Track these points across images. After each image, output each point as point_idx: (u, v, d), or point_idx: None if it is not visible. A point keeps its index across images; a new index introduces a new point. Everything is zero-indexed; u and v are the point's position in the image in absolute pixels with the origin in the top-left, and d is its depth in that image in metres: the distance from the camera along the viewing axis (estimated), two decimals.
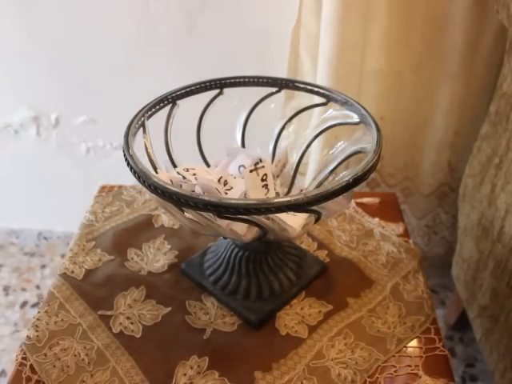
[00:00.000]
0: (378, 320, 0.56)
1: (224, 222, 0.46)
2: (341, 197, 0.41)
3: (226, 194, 0.51)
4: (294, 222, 0.48)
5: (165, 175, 0.50)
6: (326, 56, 0.79)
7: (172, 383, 0.49)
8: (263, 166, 0.47)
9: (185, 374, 0.50)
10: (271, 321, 0.55)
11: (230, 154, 0.57)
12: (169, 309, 0.57)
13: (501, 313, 0.71)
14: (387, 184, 0.99)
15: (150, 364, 0.51)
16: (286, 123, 0.60)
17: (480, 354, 0.96)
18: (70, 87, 1.02)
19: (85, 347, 0.53)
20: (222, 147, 0.58)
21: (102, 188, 0.76)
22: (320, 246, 0.66)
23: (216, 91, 0.58)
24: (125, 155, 0.45)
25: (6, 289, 1.20)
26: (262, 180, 0.47)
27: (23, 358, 0.52)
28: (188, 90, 0.56)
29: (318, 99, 0.58)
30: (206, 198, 0.39)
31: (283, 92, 0.59)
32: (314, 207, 0.40)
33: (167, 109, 0.55)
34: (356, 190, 0.45)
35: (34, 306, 1.16)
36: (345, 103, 0.54)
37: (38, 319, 0.56)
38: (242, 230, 0.49)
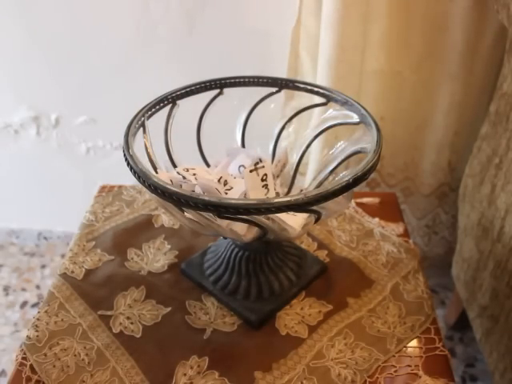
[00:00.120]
0: (378, 320, 0.56)
1: (224, 222, 0.46)
2: (341, 197, 0.41)
3: (226, 193, 0.51)
4: (294, 221, 0.48)
5: (165, 175, 0.50)
6: (326, 56, 0.79)
7: (172, 383, 0.49)
8: (263, 166, 0.47)
9: (185, 374, 0.50)
10: (271, 321, 0.55)
11: (230, 154, 0.57)
12: (169, 309, 0.57)
13: (501, 313, 0.71)
14: (387, 184, 0.99)
15: (150, 364, 0.51)
16: (285, 123, 0.60)
17: (480, 354, 0.96)
18: (70, 87, 1.02)
19: (85, 347, 0.53)
20: (222, 147, 0.58)
21: (102, 188, 0.76)
22: (320, 245, 0.66)
23: (216, 91, 0.58)
24: (125, 155, 0.45)
25: (6, 289, 1.20)
26: (262, 180, 0.47)
27: (23, 358, 0.52)
28: (188, 90, 0.56)
29: (318, 99, 0.58)
30: (206, 198, 0.39)
31: (283, 92, 0.59)
32: (314, 207, 0.40)
33: (167, 109, 0.55)
34: (356, 190, 0.45)
35: (34, 306, 1.16)
36: (345, 103, 0.54)
37: (38, 319, 0.56)
38: (242, 230, 0.49)
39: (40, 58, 0.99)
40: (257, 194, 0.48)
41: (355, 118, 0.53)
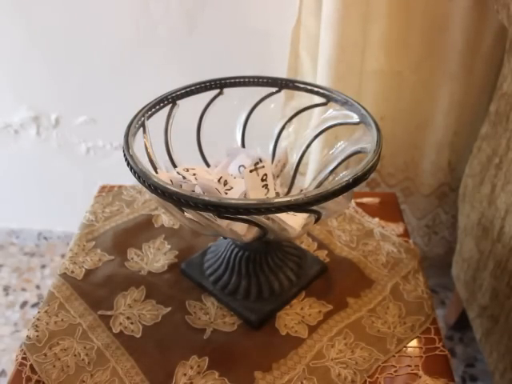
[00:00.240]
0: (378, 320, 0.56)
1: (224, 222, 0.46)
2: (341, 197, 0.41)
3: (226, 194, 0.51)
4: (294, 221, 0.48)
5: (165, 175, 0.50)
6: (326, 56, 0.79)
7: (172, 383, 0.49)
8: (263, 166, 0.47)
9: (185, 374, 0.50)
10: (271, 321, 0.55)
11: (230, 154, 0.57)
12: (169, 309, 0.57)
13: (501, 313, 0.71)
14: (387, 184, 0.99)
15: (149, 364, 0.51)
16: (285, 123, 0.60)
17: (480, 354, 0.96)
18: (70, 87, 1.02)
19: (85, 347, 0.53)
20: (222, 147, 0.58)
21: (102, 188, 0.76)
22: (320, 245, 0.66)
23: (216, 91, 0.58)
24: (125, 155, 0.45)
25: (6, 289, 1.20)
26: (262, 180, 0.47)
27: (23, 358, 0.52)
28: (188, 90, 0.56)
29: (318, 99, 0.58)
30: (206, 198, 0.39)
31: (283, 92, 0.59)
32: (314, 207, 0.40)
33: (167, 109, 0.55)
34: (356, 190, 0.45)
35: (34, 306, 1.16)
36: (345, 103, 0.54)
37: (38, 319, 0.56)
38: (242, 230, 0.49)
39: (40, 58, 0.99)
40: (257, 194, 0.48)
41: (355, 118, 0.53)
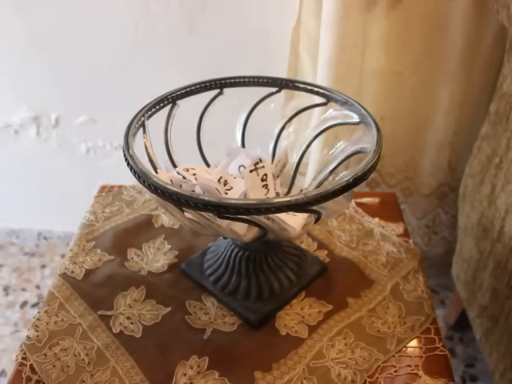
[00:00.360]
0: (378, 320, 0.56)
1: (224, 222, 0.46)
2: (341, 197, 0.41)
3: (226, 193, 0.51)
4: (294, 221, 0.48)
5: (165, 175, 0.50)
6: (326, 56, 0.79)
7: (172, 383, 0.49)
8: (263, 166, 0.47)
9: (185, 374, 0.50)
10: (271, 321, 0.55)
11: (230, 154, 0.57)
12: (169, 309, 0.57)
13: (501, 313, 0.71)
14: (387, 184, 0.99)
15: (149, 364, 0.51)
16: (286, 123, 0.60)
17: (480, 354, 0.96)
18: (70, 87, 1.02)
19: (85, 347, 0.53)
20: (222, 147, 0.58)
21: (102, 188, 0.76)
22: (320, 245, 0.66)
23: (216, 91, 0.58)
24: (125, 155, 0.45)
25: (6, 289, 1.20)
26: (262, 180, 0.47)
27: (23, 358, 0.52)
28: (188, 90, 0.56)
29: (318, 99, 0.58)
30: (206, 198, 0.39)
31: (283, 92, 0.59)
32: (314, 207, 0.40)
33: (167, 109, 0.55)
34: (356, 190, 0.45)
35: (34, 306, 1.16)
36: (345, 103, 0.54)
37: (38, 319, 0.56)
38: (242, 230, 0.49)
39: (40, 58, 0.99)
40: (257, 194, 0.48)
41: (355, 118, 0.53)
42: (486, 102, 0.83)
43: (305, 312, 0.56)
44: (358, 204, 0.73)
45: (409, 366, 0.51)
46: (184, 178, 0.51)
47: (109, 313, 0.56)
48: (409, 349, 0.53)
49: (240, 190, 0.50)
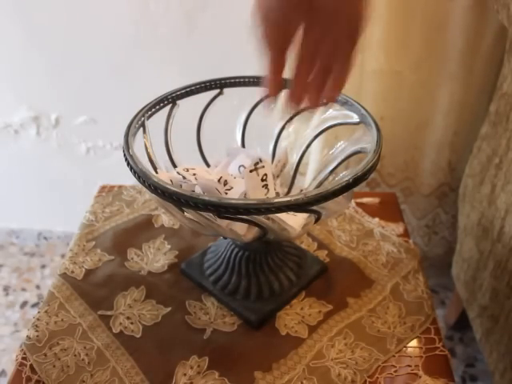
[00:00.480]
0: (378, 320, 0.55)
1: (224, 222, 0.46)
2: (341, 197, 0.41)
3: (226, 193, 0.51)
4: (294, 222, 0.48)
5: (165, 175, 0.50)
6: None
7: (172, 383, 0.49)
8: (263, 166, 0.47)
9: (185, 374, 0.50)
10: (271, 321, 0.55)
11: (230, 154, 0.57)
12: (169, 309, 0.57)
13: (501, 313, 0.71)
14: (387, 184, 0.99)
15: (149, 364, 0.51)
16: (286, 123, 0.60)
17: (480, 354, 0.96)
18: (70, 87, 1.02)
19: (85, 347, 0.53)
20: (222, 147, 0.58)
21: (102, 188, 0.76)
22: (320, 245, 0.66)
23: (216, 91, 0.58)
24: (125, 155, 0.45)
25: (6, 289, 1.20)
26: (262, 180, 0.47)
27: (23, 358, 0.52)
28: (188, 90, 0.56)
29: None
30: (206, 198, 0.39)
31: (283, 92, 0.59)
32: (314, 207, 0.40)
33: (167, 109, 0.55)
34: (356, 190, 0.45)
35: (34, 306, 1.16)
36: (345, 103, 0.54)
37: (38, 319, 0.56)
38: (242, 230, 0.49)
39: (40, 57, 0.99)
40: (257, 194, 0.48)
41: (355, 118, 0.53)
42: (486, 102, 0.83)
43: (305, 312, 0.56)
44: (358, 204, 0.73)
45: (409, 365, 0.51)
46: (184, 177, 0.51)
47: (109, 313, 0.56)
48: (409, 349, 0.53)
49: (240, 190, 0.50)
